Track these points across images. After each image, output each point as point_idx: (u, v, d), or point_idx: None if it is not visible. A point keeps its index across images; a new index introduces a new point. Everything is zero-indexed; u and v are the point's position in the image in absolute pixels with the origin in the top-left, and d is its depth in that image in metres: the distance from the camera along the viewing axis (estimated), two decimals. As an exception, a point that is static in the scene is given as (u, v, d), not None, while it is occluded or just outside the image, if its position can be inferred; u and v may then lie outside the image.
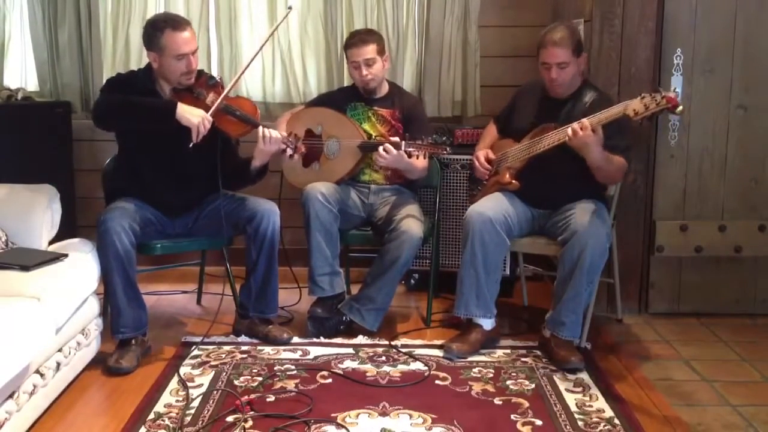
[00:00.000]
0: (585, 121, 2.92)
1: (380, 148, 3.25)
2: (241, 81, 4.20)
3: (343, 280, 3.44)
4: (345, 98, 3.62)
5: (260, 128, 3.16)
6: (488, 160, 3.33)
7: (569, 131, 2.94)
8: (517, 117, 3.35)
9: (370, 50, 3.43)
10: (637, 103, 2.83)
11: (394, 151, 3.23)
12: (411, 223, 3.30)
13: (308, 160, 3.53)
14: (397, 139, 3.30)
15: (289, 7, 3.29)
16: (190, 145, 2.99)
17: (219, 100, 3.08)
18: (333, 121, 3.53)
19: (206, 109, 3.08)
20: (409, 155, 3.27)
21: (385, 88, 3.59)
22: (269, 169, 3.33)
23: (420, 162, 3.34)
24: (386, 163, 3.29)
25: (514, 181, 3.22)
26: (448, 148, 3.34)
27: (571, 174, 3.10)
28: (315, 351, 3.19)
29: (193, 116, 3.01)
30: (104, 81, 4.04)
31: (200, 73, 3.20)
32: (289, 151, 3.24)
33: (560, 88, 3.16)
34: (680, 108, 2.80)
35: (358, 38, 3.47)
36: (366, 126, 3.53)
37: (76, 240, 3.06)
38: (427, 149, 3.28)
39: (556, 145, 3.05)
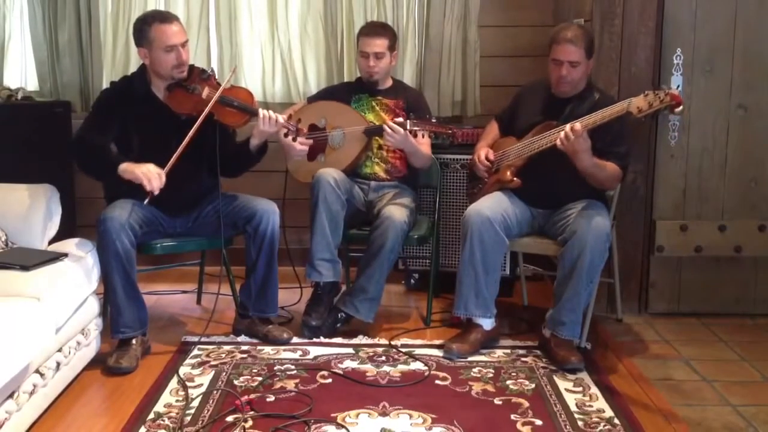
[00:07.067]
0: (577, 126, 2.90)
1: (386, 127, 3.28)
2: (241, 80, 4.20)
3: (340, 271, 3.43)
4: (349, 91, 3.66)
5: (260, 111, 3.15)
6: (488, 159, 3.33)
7: (561, 135, 2.92)
8: (521, 115, 3.33)
9: (381, 44, 3.48)
10: (641, 101, 2.82)
11: (401, 130, 3.26)
12: (393, 209, 3.32)
13: (313, 154, 3.52)
14: (401, 119, 3.34)
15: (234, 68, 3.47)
16: (145, 202, 2.97)
17: (216, 95, 3.07)
18: (336, 111, 3.54)
19: (203, 103, 3.08)
20: (414, 134, 3.29)
21: (389, 82, 3.64)
22: (272, 169, 3.32)
23: (424, 145, 3.35)
24: (393, 142, 3.32)
25: (515, 179, 3.21)
26: (453, 128, 3.37)
27: (572, 174, 3.09)
28: (315, 351, 3.19)
29: (136, 171, 2.96)
30: (103, 84, 4.10)
31: (192, 67, 3.20)
32: (291, 135, 3.24)
33: (567, 86, 3.13)
34: (680, 108, 2.81)
35: (372, 29, 3.54)
36: (370, 116, 3.55)
37: (76, 240, 3.05)
38: (431, 128, 3.30)
39: (553, 145, 3.04)
